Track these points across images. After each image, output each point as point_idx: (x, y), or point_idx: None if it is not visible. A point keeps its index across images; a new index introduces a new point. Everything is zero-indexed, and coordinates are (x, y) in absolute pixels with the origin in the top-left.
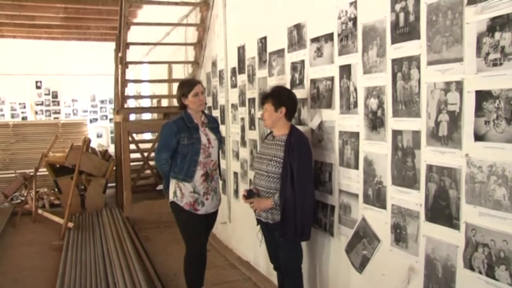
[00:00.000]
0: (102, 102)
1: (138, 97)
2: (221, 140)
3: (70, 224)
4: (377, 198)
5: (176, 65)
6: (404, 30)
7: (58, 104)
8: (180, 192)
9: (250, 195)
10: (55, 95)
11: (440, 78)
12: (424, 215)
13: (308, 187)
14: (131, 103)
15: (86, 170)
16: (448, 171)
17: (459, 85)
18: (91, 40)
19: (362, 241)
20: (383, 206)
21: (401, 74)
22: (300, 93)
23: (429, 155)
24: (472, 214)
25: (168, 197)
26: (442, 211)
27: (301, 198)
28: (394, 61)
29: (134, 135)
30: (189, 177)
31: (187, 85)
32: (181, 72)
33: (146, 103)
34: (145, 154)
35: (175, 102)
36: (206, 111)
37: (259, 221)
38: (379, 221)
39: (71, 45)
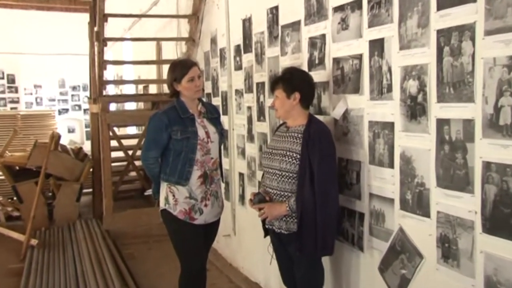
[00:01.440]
0: (73, 88)
1: (119, 82)
2: (222, 134)
3: (34, 242)
4: (418, 204)
5: (166, 42)
6: None
7: (16, 91)
8: (173, 198)
9: (259, 199)
10: (11, 80)
11: (502, 51)
12: (481, 226)
13: (332, 189)
14: (111, 90)
15: (54, 173)
16: None
17: None
18: (56, 10)
19: (400, 257)
20: (426, 214)
21: (449, 48)
22: (320, 76)
23: (486, 150)
24: None
25: (159, 205)
26: (505, 220)
27: (323, 202)
28: (440, 32)
29: (115, 129)
30: (184, 180)
31: (181, 68)
32: (172, 52)
33: (129, 89)
34: (130, 152)
35: (165, 88)
36: (204, 99)
37: (270, 232)
38: (421, 232)
39: (31, 16)
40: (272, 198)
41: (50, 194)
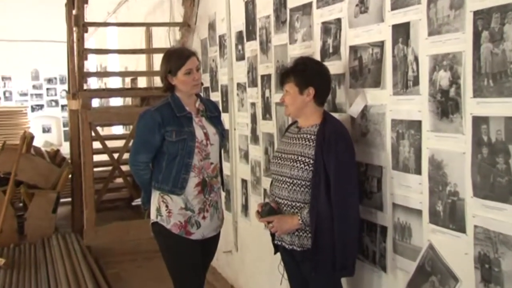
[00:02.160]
0: (49, 81)
1: (103, 74)
2: (223, 135)
3: (1, 261)
4: (450, 217)
5: (157, 28)
6: None
7: None
8: (166, 208)
9: (268, 211)
10: None
11: None
12: None
13: (351, 200)
14: (93, 83)
15: (26, 179)
16: None
17: None
18: None
19: (430, 279)
20: (461, 229)
21: (488, 33)
22: (334, 67)
23: None
24: None
25: (149, 216)
26: None
27: (342, 215)
28: (477, 14)
29: (98, 128)
30: (179, 188)
31: (176, 58)
32: (164, 39)
33: (115, 83)
34: (115, 155)
35: (157, 82)
36: (202, 94)
37: (280, 248)
38: (456, 250)
39: None
40: (282, 210)
41: (21, 204)
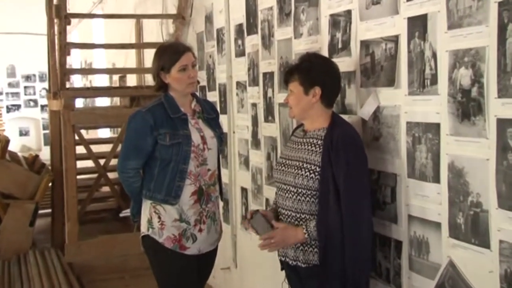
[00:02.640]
0: (27, 78)
1: (88, 71)
2: (222, 139)
3: None
4: (473, 230)
5: (148, 20)
6: None
7: None
8: (158, 220)
9: (257, 222)
10: None
11: None
12: None
13: (363, 211)
14: (77, 81)
15: (0, 189)
16: None
17: None
18: None
19: None
20: (485, 244)
21: None
22: (344, 64)
23: None
24: None
25: (139, 229)
26: None
27: (353, 228)
28: (502, 4)
29: (82, 132)
30: (173, 197)
31: (170, 54)
32: (156, 33)
33: (101, 81)
34: (102, 161)
35: (149, 80)
36: (199, 94)
37: (284, 264)
38: (479, 267)
39: None
40: (285, 221)
41: None
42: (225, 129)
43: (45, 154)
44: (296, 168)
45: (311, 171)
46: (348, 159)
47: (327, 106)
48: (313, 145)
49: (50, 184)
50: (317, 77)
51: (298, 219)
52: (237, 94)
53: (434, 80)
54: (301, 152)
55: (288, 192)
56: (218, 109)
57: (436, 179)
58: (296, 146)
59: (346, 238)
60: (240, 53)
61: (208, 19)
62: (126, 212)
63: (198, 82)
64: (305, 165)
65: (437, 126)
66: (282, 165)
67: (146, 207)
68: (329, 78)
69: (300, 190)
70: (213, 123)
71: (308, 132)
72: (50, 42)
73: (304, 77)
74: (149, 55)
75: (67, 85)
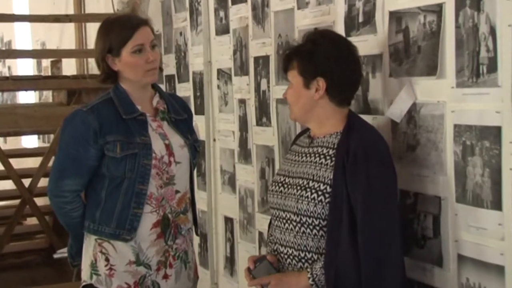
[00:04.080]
0: None
1: (5, 53)
2: (196, 148)
3: None
4: None
5: None
6: None
7: None
8: (106, 264)
9: (264, 270)
10: None
11: None
12: None
13: (390, 249)
14: None
15: None
16: None
17: None
18: None
19: None
20: None
21: None
22: (366, 44)
23: None
24: None
25: (80, 277)
26: None
27: (375, 272)
28: None
29: None
30: (127, 230)
31: (119, 29)
32: (104, 0)
33: (25, 67)
34: (26, 182)
35: (93, 67)
36: (165, 87)
37: None
38: None
39: None
40: (285, 264)
41: None
42: (201, 135)
43: None
44: (299, 188)
45: (319, 193)
46: (369, 176)
47: (339, 103)
48: (322, 156)
49: None
50: (320, 64)
51: (302, 260)
52: (218, 87)
53: (492, 66)
54: (306, 167)
55: (288, 222)
56: (192, 107)
57: (497, 205)
58: (299, 159)
59: (364, 284)
60: (223, 29)
61: None
62: (62, 252)
63: (161, 69)
64: (311, 184)
65: (497, 130)
66: (280, 185)
67: (89, 245)
68: (338, 65)
69: (304, 219)
70: (184, 126)
71: (315, 139)
72: None
73: (303, 64)
74: (93, 32)
75: None
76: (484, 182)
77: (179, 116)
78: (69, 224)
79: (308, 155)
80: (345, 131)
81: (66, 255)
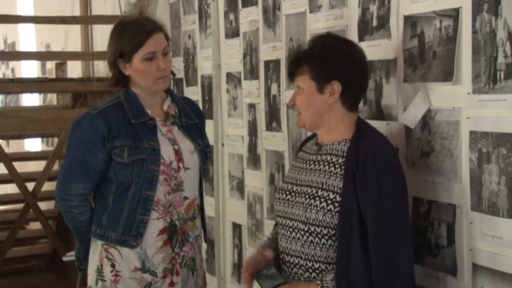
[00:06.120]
0: None
1: (10, 55)
2: (207, 154)
3: None
4: None
5: None
6: None
7: None
8: (111, 270)
9: (271, 277)
10: None
11: None
12: None
13: (401, 258)
14: None
15: None
16: None
17: None
18: None
19: None
20: None
21: None
22: (380, 50)
23: None
24: None
25: (85, 283)
26: None
27: (386, 282)
28: None
29: (1, 142)
30: (133, 236)
31: (132, 34)
32: (111, 2)
33: (29, 70)
34: (30, 186)
35: (100, 70)
36: (175, 90)
37: None
38: None
39: None
40: (291, 273)
41: None
42: (210, 140)
43: None
44: (307, 197)
45: (328, 202)
46: (379, 186)
47: (350, 108)
48: (331, 164)
49: None
50: (336, 67)
51: (310, 270)
52: (227, 91)
53: (510, 72)
54: (314, 175)
55: (296, 230)
56: (203, 112)
57: None
58: (306, 166)
59: None
60: (233, 32)
61: None
62: (71, 255)
63: (173, 75)
64: (320, 193)
65: None
66: (288, 193)
67: (96, 250)
68: (352, 68)
69: (312, 229)
70: (195, 131)
71: (323, 146)
72: None
73: (317, 68)
74: (99, 33)
75: None
76: (500, 190)
77: (191, 120)
78: (76, 228)
79: (316, 162)
80: (354, 138)
81: (71, 258)
